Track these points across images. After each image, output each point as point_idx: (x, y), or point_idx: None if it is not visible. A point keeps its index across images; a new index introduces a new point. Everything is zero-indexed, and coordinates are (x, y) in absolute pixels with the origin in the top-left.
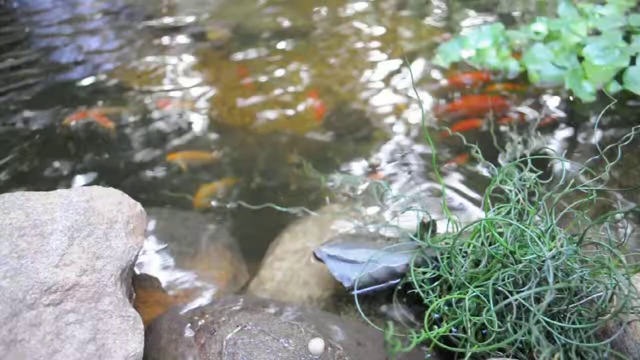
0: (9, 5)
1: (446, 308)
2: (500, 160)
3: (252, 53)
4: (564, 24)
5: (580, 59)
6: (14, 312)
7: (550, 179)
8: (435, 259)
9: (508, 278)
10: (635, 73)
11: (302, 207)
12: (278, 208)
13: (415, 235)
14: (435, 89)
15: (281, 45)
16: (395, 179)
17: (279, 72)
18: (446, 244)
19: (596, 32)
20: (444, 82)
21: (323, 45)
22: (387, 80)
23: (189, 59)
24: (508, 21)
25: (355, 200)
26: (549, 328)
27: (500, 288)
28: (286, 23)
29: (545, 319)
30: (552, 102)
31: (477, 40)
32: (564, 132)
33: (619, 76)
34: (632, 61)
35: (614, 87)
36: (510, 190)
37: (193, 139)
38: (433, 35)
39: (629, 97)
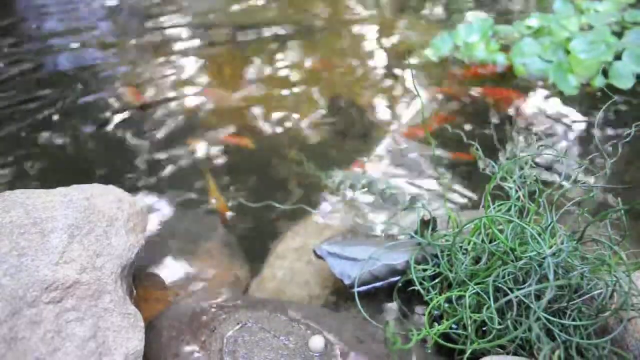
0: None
1: (446, 305)
2: (500, 158)
3: (252, 50)
4: (555, 19)
5: (568, 53)
6: (14, 310)
7: (550, 175)
8: (436, 256)
9: (508, 275)
10: (621, 67)
11: (302, 205)
12: (278, 206)
13: (416, 233)
14: (436, 84)
15: (281, 42)
16: (395, 175)
17: (279, 69)
18: (446, 241)
19: (591, 28)
20: (443, 76)
21: (322, 42)
22: (387, 76)
23: (188, 56)
24: (506, 17)
25: (356, 198)
26: (549, 325)
27: (500, 285)
28: (286, 20)
29: (546, 316)
30: (538, 96)
31: (467, 34)
32: (556, 128)
33: (608, 70)
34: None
35: (599, 82)
36: (511, 188)
37: (194, 138)
38: (432, 30)
39: (615, 91)
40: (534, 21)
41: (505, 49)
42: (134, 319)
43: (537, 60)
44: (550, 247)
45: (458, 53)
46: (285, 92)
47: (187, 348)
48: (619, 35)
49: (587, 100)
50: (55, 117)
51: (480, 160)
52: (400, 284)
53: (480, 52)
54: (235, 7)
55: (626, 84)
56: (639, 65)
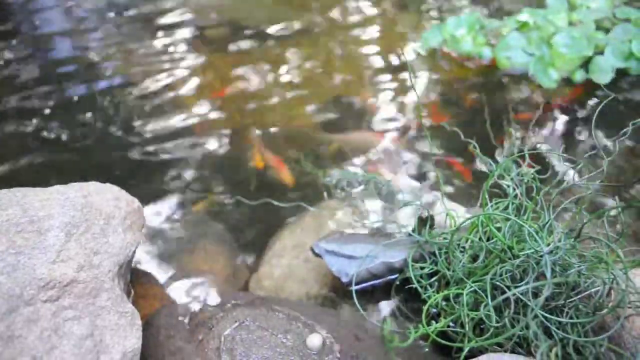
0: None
1: (444, 303)
2: (497, 156)
3: (250, 49)
4: (543, 15)
5: (552, 47)
6: (11, 308)
7: (548, 174)
8: (433, 254)
9: (506, 273)
10: (602, 62)
11: (300, 203)
12: (276, 203)
13: (413, 231)
14: (434, 82)
15: (279, 41)
16: (393, 174)
17: (278, 68)
18: (444, 239)
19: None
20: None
21: (320, 41)
22: (385, 74)
23: (187, 55)
24: (502, 12)
25: (353, 196)
26: (546, 323)
27: (498, 283)
28: (284, 19)
29: (543, 313)
30: (520, 90)
31: (456, 27)
32: (547, 124)
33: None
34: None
35: (580, 76)
36: (508, 186)
37: (192, 137)
38: (428, 27)
39: (594, 86)
40: (525, 16)
41: (493, 43)
42: (132, 317)
43: (521, 54)
44: (548, 244)
45: (446, 46)
46: (283, 90)
47: (185, 346)
48: (608, 32)
49: (568, 94)
50: (54, 116)
51: (479, 158)
52: (397, 282)
53: (467, 45)
54: (234, 6)
55: (605, 78)
56: (620, 60)
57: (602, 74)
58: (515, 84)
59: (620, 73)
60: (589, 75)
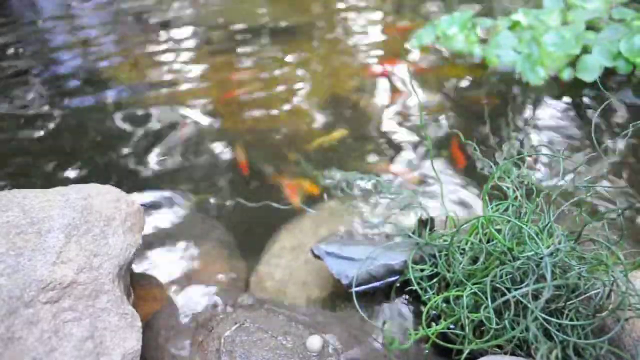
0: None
1: (444, 305)
2: (497, 158)
3: (249, 50)
4: (535, 14)
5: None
6: (11, 310)
7: (548, 175)
8: (434, 256)
9: (506, 275)
10: (590, 61)
11: (300, 204)
12: (276, 205)
13: (414, 233)
14: (433, 81)
15: (279, 42)
16: (395, 175)
17: (277, 69)
18: (444, 241)
19: None
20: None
21: (319, 41)
22: (384, 74)
23: (186, 56)
24: (499, 12)
25: (353, 197)
26: (546, 325)
27: (498, 285)
28: (283, 20)
29: (543, 315)
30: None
31: (449, 26)
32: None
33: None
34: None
35: (567, 74)
36: (508, 188)
37: (190, 138)
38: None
39: (581, 84)
40: (519, 16)
41: (485, 41)
42: (132, 319)
43: (511, 53)
44: (548, 247)
45: (438, 44)
46: (283, 91)
47: (185, 348)
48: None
49: (554, 92)
50: (54, 118)
51: (478, 160)
52: (398, 284)
53: (459, 43)
54: (233, 7)
55: (591, 76)
56: (608, 59)
57: (589, 73)
58: (503, 81)
59: (609, 73)
60: (577, 73)
